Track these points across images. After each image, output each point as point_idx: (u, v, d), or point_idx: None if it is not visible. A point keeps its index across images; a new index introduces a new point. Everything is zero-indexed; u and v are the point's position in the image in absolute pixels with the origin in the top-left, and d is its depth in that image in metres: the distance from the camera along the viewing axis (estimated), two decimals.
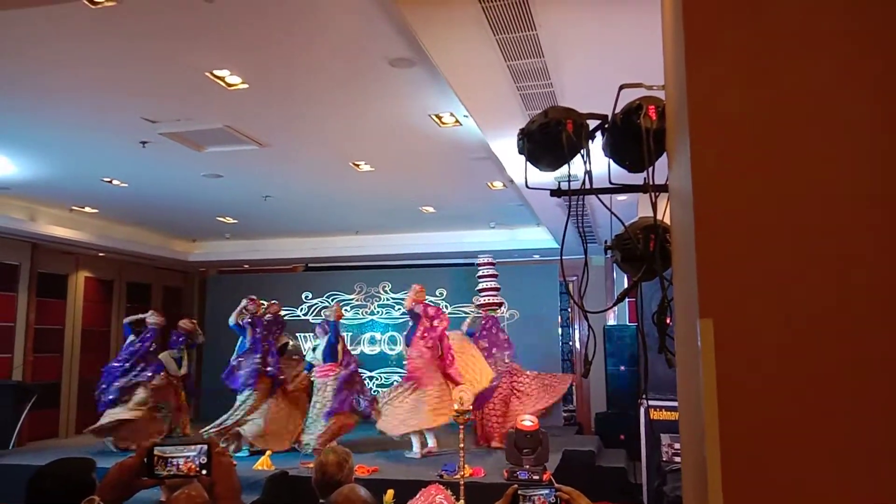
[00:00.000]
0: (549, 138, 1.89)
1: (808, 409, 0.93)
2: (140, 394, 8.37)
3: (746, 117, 1.00)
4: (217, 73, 4.71)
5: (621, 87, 1.84)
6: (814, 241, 0.95)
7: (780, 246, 0.97)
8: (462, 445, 5.62)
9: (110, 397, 8.29)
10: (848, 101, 0.97)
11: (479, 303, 9.24)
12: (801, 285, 0.95)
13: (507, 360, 8.77)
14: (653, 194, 1.72)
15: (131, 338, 8.77)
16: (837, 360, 0.93)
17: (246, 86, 4.92)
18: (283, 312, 9.51)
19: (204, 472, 1.46)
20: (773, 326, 0.96)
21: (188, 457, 1.46)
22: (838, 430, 0.92)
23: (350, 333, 11.82)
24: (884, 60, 0.97)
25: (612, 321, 10.94)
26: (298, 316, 11.81)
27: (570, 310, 11.69)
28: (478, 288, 9.27)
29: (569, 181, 1.91)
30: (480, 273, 9.32)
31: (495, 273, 9.23)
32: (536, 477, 6.27)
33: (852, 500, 0.91)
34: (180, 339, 9.26)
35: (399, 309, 11.76)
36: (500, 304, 9.18)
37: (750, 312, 0.97)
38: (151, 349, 8.66)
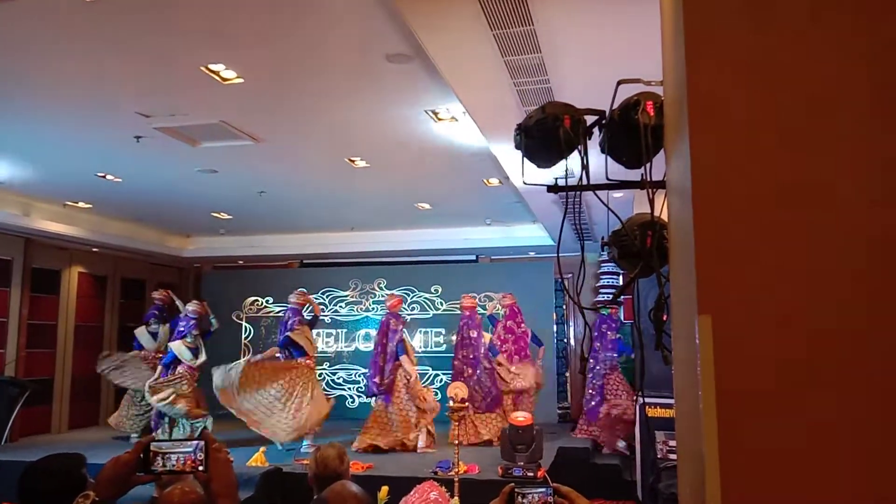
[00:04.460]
0: (546, 134, 1.88)
1: (807, 405, 0.93)
2: None
3: (746, 112, 1.00)
4: (212, 67, 4.69)
5: (619, 83, 1.83)
6: (814, 236, 0.95)
7: (780, 242, 0.96)
8: (457, 442, 5.62)
9: None
10: (848, 97, 0.97)
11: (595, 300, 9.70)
12: (801, 282, 0.95)
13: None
14: (650, 190, 1.71)
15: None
16: (837, 356, 0.93)
17: (241, 80, 4.90)
18: (276, 308, 9.37)
19: (201, 467, 1.45)
20: (772, 323, 0.95)
21: (185, 452, 1.45)
22: (837, 427, 0.92)
23: (345, 329, 11.82)
24: (884, 57, 0.96)
25: None
26: None
27: (565, 307, 11.70)
28: (598, 285, 9.88)
29: (565, 177, 1.90)
30: (601, 270, 9.93)
31: (615, 272, 9.43)
32: (531, 474, 6.28)
33: (849, 496, 0.91)
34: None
35: None
36: (615, 303, 8.92)
37: (749, 309, 0.96)
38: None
